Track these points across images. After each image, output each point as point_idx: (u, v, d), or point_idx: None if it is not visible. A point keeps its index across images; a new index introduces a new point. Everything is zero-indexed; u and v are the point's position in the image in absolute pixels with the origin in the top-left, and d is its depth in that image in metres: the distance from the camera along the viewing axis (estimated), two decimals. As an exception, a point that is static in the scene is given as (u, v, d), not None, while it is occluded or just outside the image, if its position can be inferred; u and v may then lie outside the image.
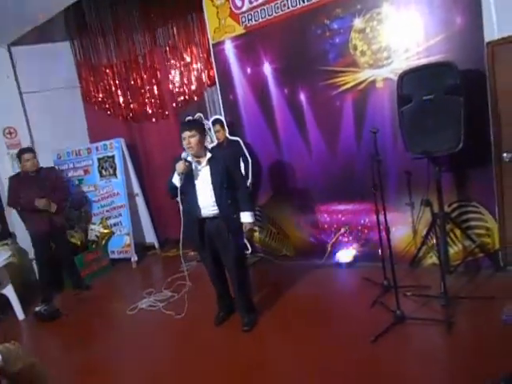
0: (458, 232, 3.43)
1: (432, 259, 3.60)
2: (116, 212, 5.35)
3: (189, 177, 3.01)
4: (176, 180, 2.99)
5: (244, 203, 3.10)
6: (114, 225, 5.37)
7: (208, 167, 3.03)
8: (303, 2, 3.83)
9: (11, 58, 5.28)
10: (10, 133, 5.26)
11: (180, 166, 2.93)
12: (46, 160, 5.07)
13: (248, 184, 3.98)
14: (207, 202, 3.01)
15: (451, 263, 3.33)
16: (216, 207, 3.01)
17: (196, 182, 3.04)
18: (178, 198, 3.03)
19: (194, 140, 2.95)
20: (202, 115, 4.68)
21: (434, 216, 3.11)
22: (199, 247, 3.20)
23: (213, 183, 3.00)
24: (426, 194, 3.14)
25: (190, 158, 2.99)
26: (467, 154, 3.00)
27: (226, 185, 3.00)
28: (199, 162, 3.05)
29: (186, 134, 2.96)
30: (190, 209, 3.06)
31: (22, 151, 4.38)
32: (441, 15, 3.27)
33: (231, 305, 3.40)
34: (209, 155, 3.04)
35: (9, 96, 5.25)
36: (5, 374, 1.05)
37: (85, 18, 5.69)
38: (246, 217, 3.09)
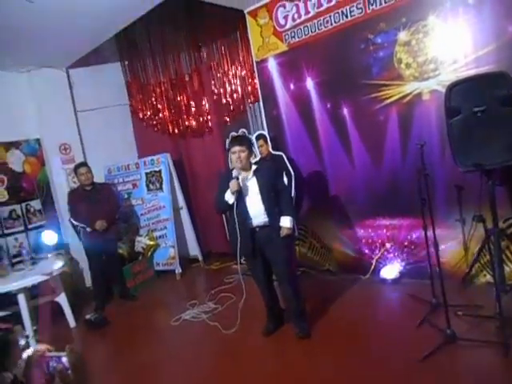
0: (513, 249, 3.26)
1: (486, 277, 3.43)
2: (161, 225, 5.51)
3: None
4: (229, 197, 3.10)
5: (285, 209, 3.15)
6: (160, 237, 5.53)
7: (254, 178, 3.14)
8: (346, 17, 3.86)
9: (68, 80, 5.65)
10: (66, 149, 5.59)
11: (234, 184, 3.05)
12: (97, 175, 5.31)
13: (292, 195, 3.96)
14: (257, 211, 3.10)
15: (507, 282, 3.15)
16: (266, 215, 3.09)
17: (245, 193, 3.13)
18: (233, 214, 3.10)
19: (243, 155, 3.08)
20: (245, 131, 4.77)
21: (488, 232, 2.97)
22: (250, 256, 3.24)
23: (261, 192, 3.10)
24: (477, 209, 3.01)
25: (238, 175, 3.10)
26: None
27: (273, 193, 3.12)
28: (246, 175, 3.15)
29: (237, 148, 3.09)
30: (242, 220, 3.14)
31: (77, 166, 4.67)
32: (491, 24, 3.18)
33: (281, 316, 3.40)
34: (254, 167, 3.17)
35: (65, 115, 5.60)
36: (64, 380, 1.07)
37: (135, 39, 6.01)
38: (284, 221, 3.11)
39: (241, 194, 3.12)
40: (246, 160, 3.11)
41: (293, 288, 3.21)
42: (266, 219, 3.10)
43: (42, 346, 1.95)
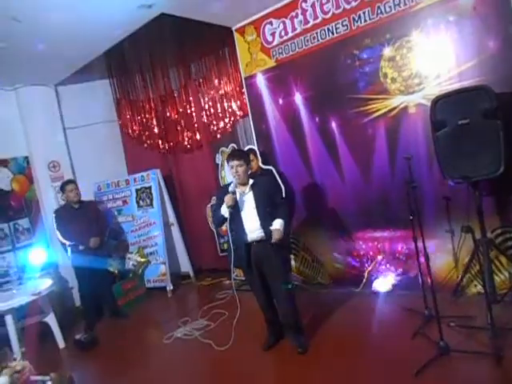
0: (503, 259, 3.29)
1: (476, 288, 3.45)
2: (152, 241, 5.47)
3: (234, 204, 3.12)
4: (224, 211, 3.11)
5: (279, 214, 3.11)
6: (150, 254, 5.48)
7: (251, 193, 3.14)
8: (332, 34, 3.93)
9: (57, 97, 5.64)
10: (54, 166, 5.55)
11: (229, 199, 3.04)
12: (87, 192, 5.29)
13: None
14: (253, 226, 3.10)
15: (497, 292, 3.17)
16: (262, 230, 3.08)
17: (241, 208, 3.13)
18: (228, 228, 3.13)
19: (241, 169, 3.09)
20: (235, 145, 4.79)
21: (477, 242, 3.00)
22: (247, 272, 3.24)
23: (257, 207, 3.10)
24: (465, 220, 3.05)
25: (235, 188, 3.11)
26: (509, 177, 2.92)
27: (269, 208, 3.10)
28: (243, 189, 3.16)
29: (235, 163, 3.09)
30: (237, 235, 3.14)
31: (64, 183, 4.65)
32: (472, 40, 3.26)
33: (280, 330, 3.36)
34: (251, 181, 3.16)
35: (54, 132, 5.56)
36: None
37: (124, 57, 6.03)
38: (276, 223, 3.06)
39: (237, 209, 3.11)
40: (244, 174, 3.12)
41: (290, 303, 3.19)
42: (262, 234, 3.09)
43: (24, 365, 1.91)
